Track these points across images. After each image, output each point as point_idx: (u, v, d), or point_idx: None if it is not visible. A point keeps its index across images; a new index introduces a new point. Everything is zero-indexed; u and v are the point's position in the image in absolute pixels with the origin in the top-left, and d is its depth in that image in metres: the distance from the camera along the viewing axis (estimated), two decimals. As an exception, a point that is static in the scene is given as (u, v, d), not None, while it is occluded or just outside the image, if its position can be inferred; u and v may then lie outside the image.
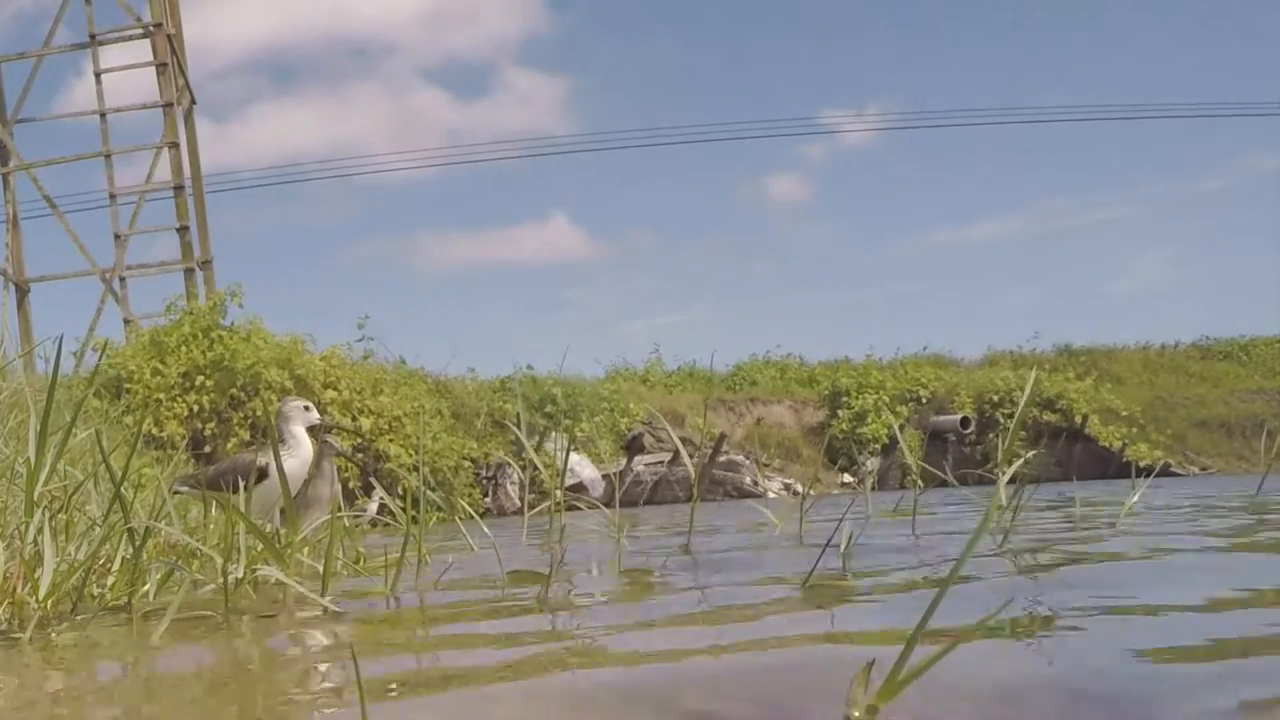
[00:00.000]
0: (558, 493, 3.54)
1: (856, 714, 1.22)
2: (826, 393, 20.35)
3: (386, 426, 13.26)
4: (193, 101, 17.72)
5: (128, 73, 16.76)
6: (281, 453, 4.30)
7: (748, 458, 17.62)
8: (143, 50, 16.39)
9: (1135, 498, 4.06)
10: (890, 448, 18.80)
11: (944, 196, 44.51)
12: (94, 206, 17.25)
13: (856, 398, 19.48)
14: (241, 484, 3.57)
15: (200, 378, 12.49)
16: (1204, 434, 19.75)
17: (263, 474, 4.09)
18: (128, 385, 12.27)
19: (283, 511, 3.15)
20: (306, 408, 4.61)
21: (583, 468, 14.51)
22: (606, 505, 4.72)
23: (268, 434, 3.05)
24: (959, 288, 40.93)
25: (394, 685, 1.53)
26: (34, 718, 1.40)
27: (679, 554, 3.71)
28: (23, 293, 16.40)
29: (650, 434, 17.64)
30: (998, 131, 45.15)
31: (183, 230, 16.13)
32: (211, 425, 12.44)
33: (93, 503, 2.84)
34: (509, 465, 14.92)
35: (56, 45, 16.82)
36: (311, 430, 4.60)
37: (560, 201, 47.44)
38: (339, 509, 3.78)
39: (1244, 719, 1.18)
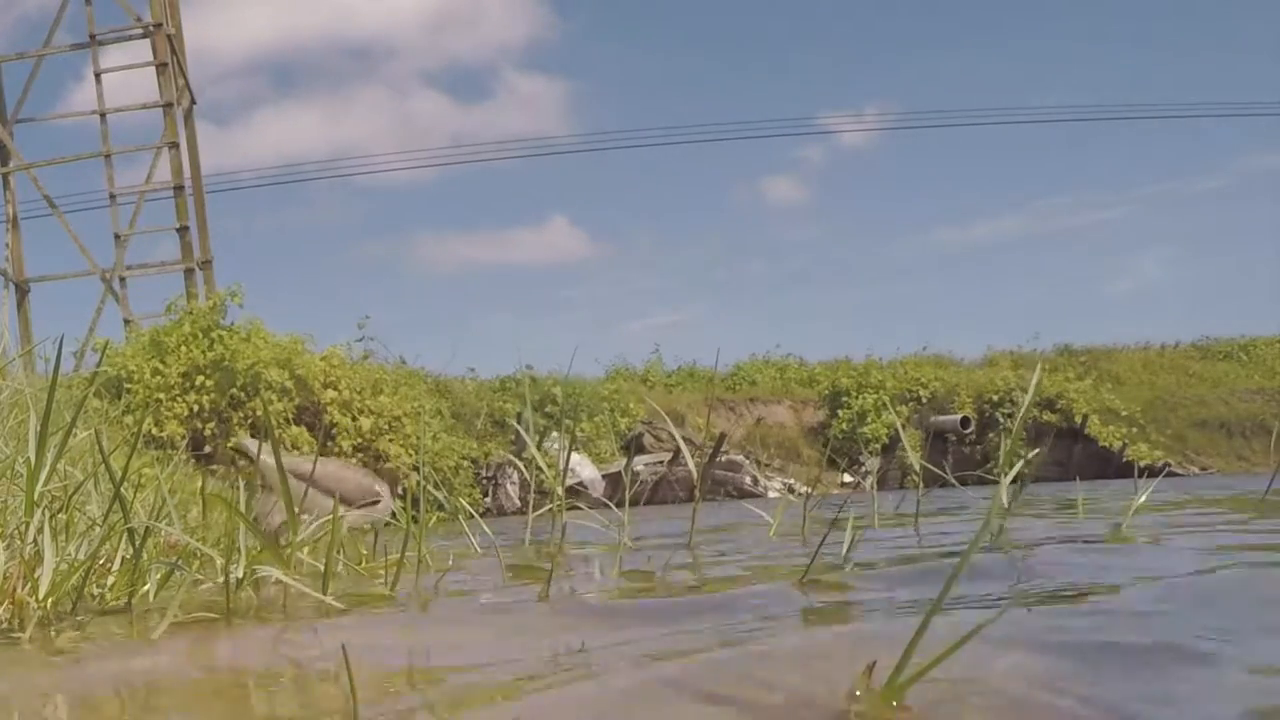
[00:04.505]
0: (559, 490, 3.53)
1: (856, 708, 1.22)
2: (826, 393, 20.34)
3: (386, 426, 13.25)
4: (193, 102, 17.71)
5: (128, 73, 16.75)
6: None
7: (748, 458, 17.62)
8: (143, 50, 16.38)
9: (1142, 498, 4.07)
10: (890, 448, 18.80)
11: (944, 196, 44.58)
12: (94, 206, 17.26)
13: (856, 398, 19.47)
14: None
15: (200, 378, 12.48)
16: (1204, 434, 19.74)
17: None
18: (128, 385, 12.26)
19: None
20: None
21: (583, 468, 14.51)
22: (607, 505, 4.72)
23: (268, 434, 3.05)
24: (959, 288, 40.98)
25: (391, 679, 1.52)
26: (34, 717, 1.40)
27: (680, 553, 3.71)
28: (23, 293, 16.39)
29: (650, 434, 17.64)
30: (998, 131, 45.18)
31: (183, 230, 16.12)
32: (211, 425, 12.43)
33: (93, 503, 2.84)
34: (509, 465, 14.92)
35: (56, 45, 16.82)
36: None
37: (561, 203, 47.54)
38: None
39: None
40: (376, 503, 5.01)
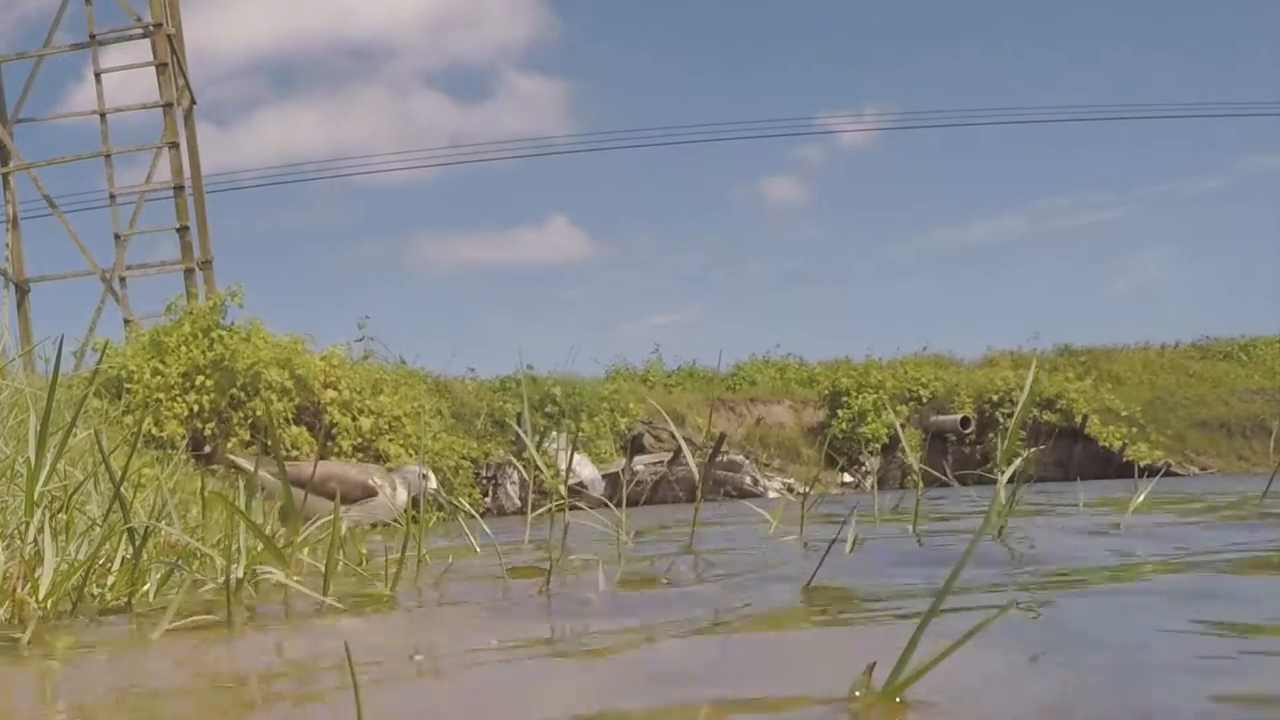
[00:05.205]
0: (561, 488, 3.53)
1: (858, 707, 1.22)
2: (826, 393, 20.32)
3: (386, 426, 13.25)
4: (193, 102, 17.72)
5: (128, 73, 16.76)
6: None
7: (748, 458, 17.62)
8: (143, 50, 16.39)
9: (1140, 497, 4.08)
10: (890, 448, 18.78)
11: (943, 196, 44.62)
12: (94, 206, 17.28)
13: (856, 398, 19.46)
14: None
15: (200, 378, 12.48)
16: (1204, 434, 19.72)
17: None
18: (128, 385, 12.26)
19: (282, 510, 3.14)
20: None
21: (583, 467, 14.51)
22: (607, 505, 4.72)
23: (268, 434, 3.05)
24: (959, 288, 41.01)
25: (389, 675, 1.52)
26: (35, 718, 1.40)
27: (681, 553, 3.70)
28: (23, 293, 16.40)
29: (650, 434, 17.64)
30: (997, 131, 45.22)
31: (183, 230, 16.12)
32: (211, 425, 12.44)
33: (93, 503, 2.83)
34: (509, 465, 14.92)
35: (56, 45, 16.82)
36: None
37: (560, 203, 47.57)
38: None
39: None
40: (374, 495, 5.02)
